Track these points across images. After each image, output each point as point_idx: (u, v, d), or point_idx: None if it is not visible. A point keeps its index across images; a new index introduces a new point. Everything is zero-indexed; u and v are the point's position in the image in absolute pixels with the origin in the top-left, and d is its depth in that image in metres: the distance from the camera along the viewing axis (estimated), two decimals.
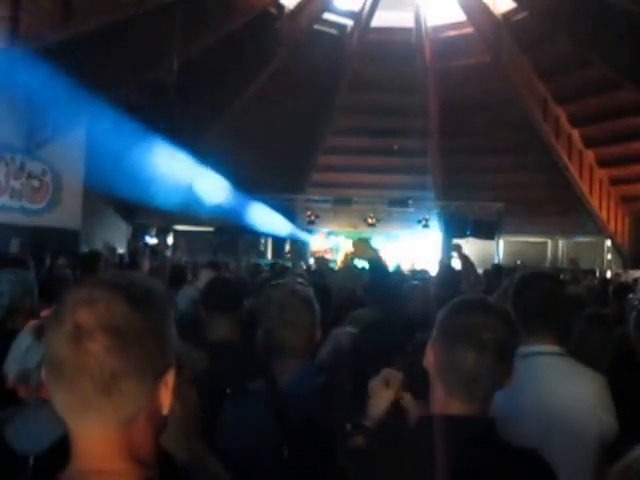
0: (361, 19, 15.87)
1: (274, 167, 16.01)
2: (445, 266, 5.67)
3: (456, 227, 16.13)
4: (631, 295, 5.09)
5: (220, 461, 1.38)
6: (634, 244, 16.18)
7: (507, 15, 14.38)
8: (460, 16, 15.16)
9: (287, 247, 18.55)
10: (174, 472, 1.00)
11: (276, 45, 14.52)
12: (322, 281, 4.55)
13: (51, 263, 7.53)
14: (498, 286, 4.03)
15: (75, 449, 0.90)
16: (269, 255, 18.15)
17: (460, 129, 16.36)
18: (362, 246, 2.72)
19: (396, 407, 1.66)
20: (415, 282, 4.10)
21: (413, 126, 16.00)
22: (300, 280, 3.44)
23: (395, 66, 15.78)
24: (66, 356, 0.85)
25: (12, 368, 1.78)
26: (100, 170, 13.60)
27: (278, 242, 18.31)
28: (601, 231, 16.39)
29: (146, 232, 16.36)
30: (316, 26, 15.59)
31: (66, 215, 12.70)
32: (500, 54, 14.49)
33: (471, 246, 14.61)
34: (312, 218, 17.01)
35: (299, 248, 18.11)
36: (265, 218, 15.76)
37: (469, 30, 15.31)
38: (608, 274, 13.55)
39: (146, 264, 7.57)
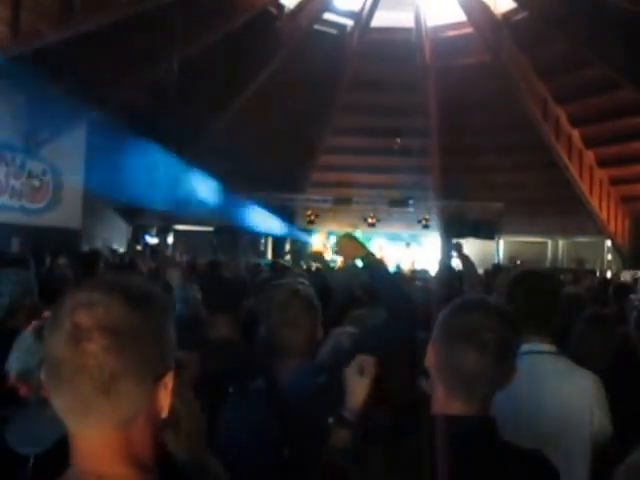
0: (361, 19, 15.88)
1: (274, 167, 16.02)
2: (445, 266, 5.67)
3: (456, 227, 16.13)
4: (632, 295, 5.08)
5: (220, 461, 1.38)
6: (634, 244, 16.17)
7: (507, 15, 14.38)
8: (460, 16, 15.16)
9: (287, 247, 18.56)
10: (174, 474, 1.00)
11: (276, 45, 14.52)
12: (323, 281, 4.55)
13: (51, 263, 7.53)
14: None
15: (75, 450, 0.90)
16: (269, 255, 18.15)
17: (460, 129, 16.36)
18: (352, 244, 2.30)
19: (374, 396, 1.63)
20: (418, 282, 4.10)
21: (413, 126, 15.98)
22: (302, 280, 3.44)
23: (395, 66, 15.77)
24: (65, 357, 0.85)
25: (14, 367, 1.79)
26: (100, 170, 13.61)
27: (278, 242, 18.32)
28: (601, 231, 16.39)
29: (146, 232, 16.36)
30: (316, 26, 15.59)
31: (66, 215, 12.71)
32: (500, 54, 14.49)
33: (471, 246, 14.62)
34: (312, 218, 17.01)
35: (299, 248, 18.12)
36: (264, 218, 15.78)
37: (469, 30, 15.31)
38: (608, 274, 13.55)
39: (146, 265, 7.56)
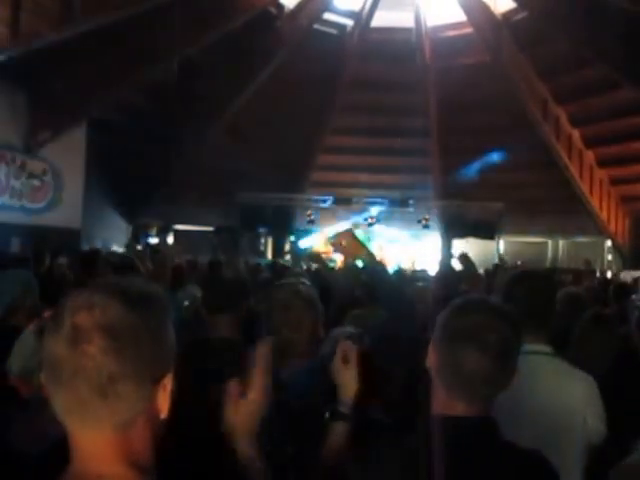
0: (361, 19, 15.87)
1: (274, 166, 16.00)
2: (445, 266, 5.67)
3: (456, 227, 16.12)
4: (633, 296, 5.08)
5: None
6: (634, 244, 16.15)
7: (507, 15, 14.37)
8: (460, 16, 15.15)
9: (287, 247, 18.56)
10: (174, 475, 1.00)
11: (276, 45, 14.51)
12: (323, 281, 4.56)
13: (51, 262, 7.52)
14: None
15: (74, 451, 0.90)
16: (269, 255, 18.15)
17: (460, 129, 16.35)
18: (352, 244, 2.36)
19: (366, 390, 1.62)
20: (419, 284, 4.10)
21: (413, 125, 15.98)
22: (303, 280, 3.44)
23: (395, 66, 15.76)
24: (64, 358, 0.86)
25: (15, 365, 1.79)
26: (100, 169, 13.60)
27: (278, 242, 18.32)
28: (601, 231, 16.38)
29: (146, 232, 16.35)
30: (316, 26, 15.57)
31: (66, 214, 12.70)
32: (500, 54, 14.48)
33: (471, 246, 14.63)
34: (312, 218, 17.00)
35: (299, 248, 18.11)
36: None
37: (469, 30, 15.29)
38: (608, 274, 13.54)
39: (146, 266, 7.53)
